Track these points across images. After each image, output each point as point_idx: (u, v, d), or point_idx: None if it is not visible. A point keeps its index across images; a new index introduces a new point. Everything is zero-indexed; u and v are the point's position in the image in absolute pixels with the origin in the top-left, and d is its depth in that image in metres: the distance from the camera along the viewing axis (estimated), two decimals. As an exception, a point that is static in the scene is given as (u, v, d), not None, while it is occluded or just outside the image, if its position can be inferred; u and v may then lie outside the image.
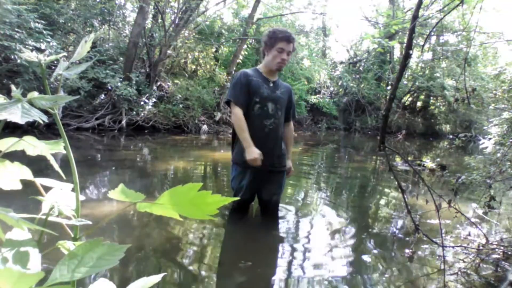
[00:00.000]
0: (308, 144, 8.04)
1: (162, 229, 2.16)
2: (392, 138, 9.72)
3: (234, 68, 9.42)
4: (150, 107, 7.34)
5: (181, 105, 7.85)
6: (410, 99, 14.88)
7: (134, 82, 7.08)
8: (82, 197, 0.50)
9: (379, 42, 3.17)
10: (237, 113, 2.05)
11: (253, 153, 1.95)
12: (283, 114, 2.23)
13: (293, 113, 2.36)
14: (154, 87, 7.79)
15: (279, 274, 1.76)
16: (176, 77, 8.99)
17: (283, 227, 2.40)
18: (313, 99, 12.00)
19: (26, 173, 0.50)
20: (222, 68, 9.77)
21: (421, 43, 7.38)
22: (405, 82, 13.02)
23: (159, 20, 8.22)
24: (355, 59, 14.32)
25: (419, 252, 2.11)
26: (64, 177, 0.51)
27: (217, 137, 7.62)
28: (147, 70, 8.00)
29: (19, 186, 0.50)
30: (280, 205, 2.53)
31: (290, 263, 1.89)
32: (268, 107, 2.12)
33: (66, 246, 0.49)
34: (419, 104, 15.51)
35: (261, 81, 2.13)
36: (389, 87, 13.51)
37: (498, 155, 2.69)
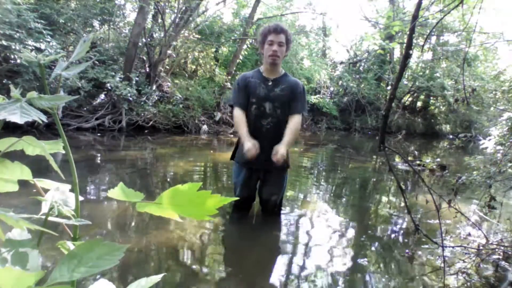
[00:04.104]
0: (308, 144, 8.04)
1: (162, 229, 2.16)
2: (392, 138, 9.71)
3: (234, 68, 9.41)
4: (150, 107, 7.33)
5: (181, 105, 7.84)
6: (410, 99, 14.86)
7: (134, 82, 7.07)
8: (81, 198, 0.50)
9: (380, 44, 3.17)
10: (236, 113, 2.17)
11: (247, 145, 1.99)
12: (285, 111, 2.17)
13: (299, 107, 2.17)
14: (154, 87, 7.78)
15: (279, 274, 1.76)
16: (176, 77, 8.97)
17: (283, 227, 2.40)
18: (313, 99, 11.98)
19: (26, 173, 0.50)
20: (222, 68, 9.76)
21: (421, 43, 7.38)
22: (405, 82, 13.00)
23: (159, 20, 8.21)
24: (355, 59, 14.31)
25: (419, 252, 2.11)
26: (63, 178, 0.51)
27: (217, 137, 7.61)
28: (147, 70, 7.99)
29: (15, 188, 0.50)
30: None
31: (290, 263, 1.89)
32: (265, 106, 2.15)
33: (66, 246, 0.49)
34: (419, 104, 15.49)
35: (259, 81, 2.17)
36: (389, 87, 13.50)
37: (498, 155, 2.69)
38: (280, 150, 2.01)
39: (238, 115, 2.15)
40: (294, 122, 2.16)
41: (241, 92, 2.18)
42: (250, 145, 1.99)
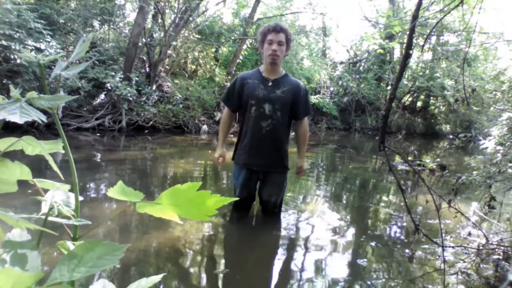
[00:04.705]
0: (308, 144, 8.02)
1: (162, 229, 2.16)
2: (392, 138, 9.71)
3: (234, 68, 9.41)
4: (150, 107, 7.33)
5: (181, 105, 7.84)
6: (410, 99, 14.85)
7: (134, 82, 7.08)
8: (81, 198, 0.50)
9: (380, 43, 3.17)
10: (224, 114, 2.35)
11: (217, 153, 2.34)
12: (285, 113, 2.15)
13: (304, 110, 2.22)
14: (154, 87, 7.78)
15: (279, 275, 1.76)
16: (176, 77, 8.97)
17: (283, 227, 2.40)
18: (313, 99, 11.98)
19: (26, 173, 0.50)
20: (222, 68, 9.76)
21: (421, 43, 7.37)
22: (405, 82, 12.98)
23: (159, 20, 8.21)
24: (355, 59, 14.30)
25: (419, 252, 2.11)
26: (63, 178, 0.51)
27: (217, 137, 7.61)
28: (147, 70, 7.99)
29: (14, 189, 0.50)
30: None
31: (289, 263, 1.89)
32: (265, 108, 2.12)
33: (66, 246, 0.49)
34: (419, 104, 15.48)
35: (257, 82, 2.13)
36: (389, 87, 13.50)
37: (498, 155, 2.69)
38: (303, 167, 2.40)
39: (224, 118, 2.34)
40: (303, 128, 2.30)
41: (234, 93, 2.21)
42: (217, 155, 2.32)
